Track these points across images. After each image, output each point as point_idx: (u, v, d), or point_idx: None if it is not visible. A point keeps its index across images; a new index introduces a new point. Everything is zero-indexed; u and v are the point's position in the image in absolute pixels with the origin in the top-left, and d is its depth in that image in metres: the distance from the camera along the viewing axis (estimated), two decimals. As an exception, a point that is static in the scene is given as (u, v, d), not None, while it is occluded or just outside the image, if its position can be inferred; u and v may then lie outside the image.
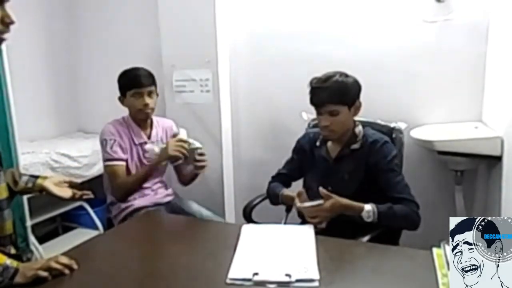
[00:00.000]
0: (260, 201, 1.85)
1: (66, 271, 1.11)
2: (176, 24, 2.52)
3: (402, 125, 1.78)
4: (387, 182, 1.50)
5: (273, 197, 1.73)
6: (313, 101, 1.55)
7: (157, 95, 1.99)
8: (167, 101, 2.61)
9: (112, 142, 1.87)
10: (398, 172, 1.53)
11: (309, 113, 2.04)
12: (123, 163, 1.87)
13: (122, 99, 1.95)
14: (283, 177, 1.80)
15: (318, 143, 1.69)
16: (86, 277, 1.12)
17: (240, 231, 1.36)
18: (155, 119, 2.06)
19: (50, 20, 3.07)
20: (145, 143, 1.97)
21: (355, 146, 1.58)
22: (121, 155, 1.87)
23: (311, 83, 1.56)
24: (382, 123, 1.81)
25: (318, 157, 1.68)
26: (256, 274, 1.07)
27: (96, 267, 1.19)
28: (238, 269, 1.10)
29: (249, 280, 1.06)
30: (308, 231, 1.36)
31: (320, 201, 1.40)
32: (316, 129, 1.74)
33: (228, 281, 1.06)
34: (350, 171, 1.57)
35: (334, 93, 1.50)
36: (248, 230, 1.39)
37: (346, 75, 1.55)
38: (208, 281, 1.10)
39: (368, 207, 1.39)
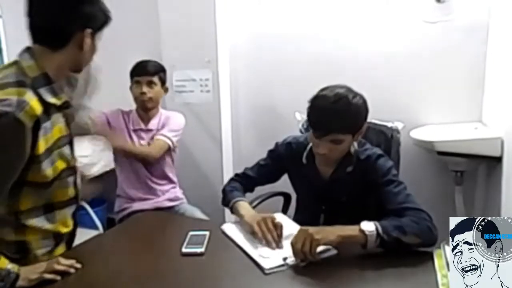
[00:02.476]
0: (258, 204, 1.78)
1: (72, 270, 1.12)
2: (176, 24, 2.52)
3: (399, 125, 1.77)
4: (386, 195, 1.31)
5: (225, 199, 1.53)
6: (314, 125, 1.33)
7: (165, 89, 2.03)
8: (167, 101, 2.61)
9: (102, 111, 1.98)
10: (397, 182, 1.33)
11: (303, 113, 2.02)
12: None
13: (131, 87, 2.01)
14: (248, 180, 1.60)
15: (304, 160, 1.49)
16: (86, 277, 1.12)
17: (223, 230, 1.37)
18: (164, 112, 2.08)
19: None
20: (141, 129, 2.02)
21: (350, 168, 1.42)
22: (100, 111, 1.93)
23: (314, 100, 1.33)
24: (379, 122, 1.80)
25: (306, 175, 1.51)
26: (285, 258, 1.13)
27: (96, 267, 1.18)
28: (268, 260, 1.14)
29: (284, 265, 1.11)
30: (279, 216, 1.38)
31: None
32: (300, 138, 1.57)
33: (267, 271, 1.09)
34: (347, 192, 1.44)
35: (343, 121, 1.28)
36: (231, 227, 1.39)
37: (354, 94, 1.32)
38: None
39: (368, 226, 1.15)
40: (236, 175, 1.64)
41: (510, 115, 1.74)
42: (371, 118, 1.82)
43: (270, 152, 1.63)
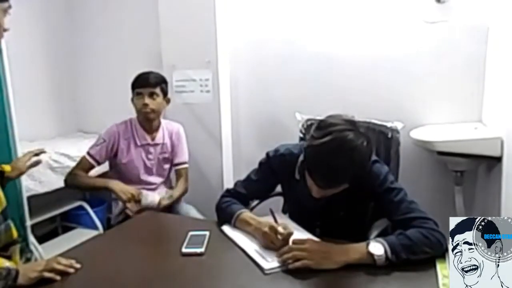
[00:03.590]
0: (257, 205, 1.77)
1: (71, 270, 1.12)
2: (176, 24, 2.52)
3: (398, 125, 1.76)
4: (388, 205, 1.25)
5: (223, 216, 1.42)
6: (312, 178, 1.22)
7: (167, 100, 2.02)
8: (167, 101, 2.62)
9: (102, 142, 1.96)
10: (397, 189, 1.26)
11: (303, 114, 2.02)
12: (92, 161, 1.94)
13: (132, 99, 1.99)
14: (239, 197, 1.49)
15: (297, 176, 1.38)
16: (86, 277, 1.12)
17: (223, 230, 1.37)
18: (163, 122, 2.08)
19: (50, 21, 3.07)
20: (148, 144, 2.01)
21: (347, 185, 1.28)
22: (96, 155, 1.94)
23: (312, 149, 1.19)
24: (379, 122, 1.80)
25: (300, 191, 1.37)
26: (279, 257, 1.12)
27: (95, 267, 1.18)
28: (267, 260, 1.13)
29: (284, 265, 1.11)
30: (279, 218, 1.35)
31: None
32: (294, 149, 1.45)
33: (267, 271, 1.09)
34: (345, 206, 1.37)
35: (346, 176, 1.18)
36: (231, 227, 1.38)
37: (357, 137, 1.16)
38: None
39: (376, 249, 1.09)
40: (227, 191, 1.53)
41: (510, 115, 1.74)
42: (371, 118, 1.84)
43: (261, 164, 1.51)
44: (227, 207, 1.42)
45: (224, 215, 1.42)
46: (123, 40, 3.02)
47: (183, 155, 2.11)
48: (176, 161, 2.10)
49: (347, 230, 1.33)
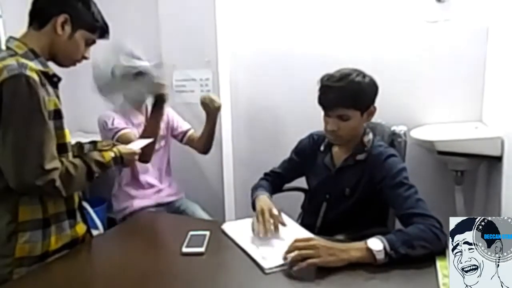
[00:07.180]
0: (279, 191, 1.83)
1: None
2: (176, 24, 2.53)
3: (402, 129, 1.73)
4: (395, 198, 1.29)
5: (252, 196, 1.56)
6: (321, 101, 1.40)
7: None
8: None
9: (112, 119, 1.91)
10: (408, 185, 1.29)
11: (303, 113, 2.00)
12: (130, 130, 1.89)
13: None
14: (276, 177, 1.68)
15: (322, 148, 1.56)
16: (86, 277, 1.12)
17: (224, 230, 1.37)
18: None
19: (50, 20, 3.07)
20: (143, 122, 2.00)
21: (361, 156, 1.44)
22: (124, 125, 1.90)
23: (322, 80, 1.41)
24: (383, 122, 1.79)
25: (320, 163, 1.55)
26: (285, 258, 1.11)
27: (96, 267, 1.19)
28: (267, 260, 1.13)
29: (284, 265, 1.11)
30: (284, 217, 1.40)
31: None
32: (322, 132, 1.58)
33: (267, 271, 1.10)
34: (352, 186, 1.44)
35: (347, 95, 1.34)
36: (231, 227, 1.39)
37: (364, 75, 1.40)
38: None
39: (375, 244, 1.10)
40: (265, 173, 1.71)
41: (510, 115, 1.74)
42: (375, 119, 1.83)
43: (294, 149, 1.69)
44: (254, 189, 1.58)
45: (252, 196, 1.55)
46: (123, 40, 3.02)
47: (184, 123, 2.18)
48: (184, 129, 2.16)
49: (346, 217, 1.45)
